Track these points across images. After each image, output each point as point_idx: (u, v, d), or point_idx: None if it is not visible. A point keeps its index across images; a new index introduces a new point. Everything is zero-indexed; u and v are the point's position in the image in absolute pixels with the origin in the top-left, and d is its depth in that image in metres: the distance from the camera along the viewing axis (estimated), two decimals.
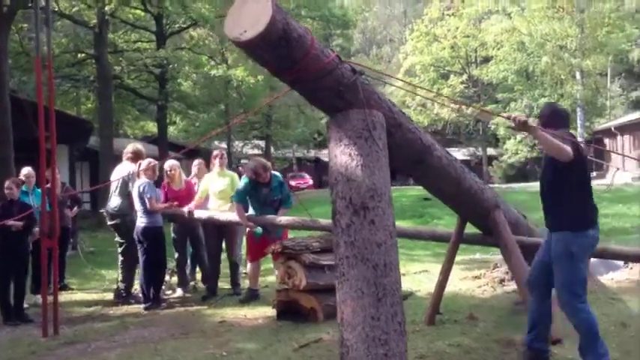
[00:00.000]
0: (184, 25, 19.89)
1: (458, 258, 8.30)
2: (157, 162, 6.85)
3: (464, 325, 4.92)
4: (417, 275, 7.36)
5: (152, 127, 27.84)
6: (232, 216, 6.66)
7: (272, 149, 31.46)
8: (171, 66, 18.29)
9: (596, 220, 3.83)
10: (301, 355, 4.49)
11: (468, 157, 42.80)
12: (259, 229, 6.34)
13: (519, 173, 39.02)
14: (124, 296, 6.70)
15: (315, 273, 5.42)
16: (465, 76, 37.17)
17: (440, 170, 4.21)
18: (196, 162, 8.04)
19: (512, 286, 5.99)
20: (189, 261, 7.46)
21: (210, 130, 25.53)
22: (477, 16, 35.80)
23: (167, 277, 7.20)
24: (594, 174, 31.33)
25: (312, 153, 40.53)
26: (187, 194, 7.07)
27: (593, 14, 27.84)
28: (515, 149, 34.84)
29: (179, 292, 7.09)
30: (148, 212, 6.39)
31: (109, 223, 6.83)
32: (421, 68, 38.39)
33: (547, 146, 3.60)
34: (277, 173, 6.57)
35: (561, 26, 27.85)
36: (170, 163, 7.26)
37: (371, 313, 3.13)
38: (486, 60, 37.15)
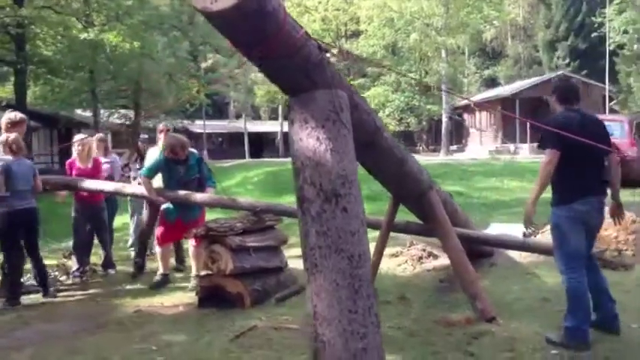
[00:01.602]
0: None
1: (370, 235, 8.49)
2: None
3: (397, 306, 4.93)
4: None
5: (2, 91, 25.34)
6: (138, 189, 6.24)
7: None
8: (33, 27, 16.63)
9: (586, 194, 3.88)
10: (239, 345, 4.25)
11: None
12: (170, 205, 5.97)
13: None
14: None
15: (242, 256, 5.18)
16: (336, 50, 37.57)
17: (387, 151, 4.14)
18: (96, 136, 7.40)
19: (431, 263, 6.14)
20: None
21: (72, 97, 23.79)
22: None
23: (63, 261, 6.58)
24: (454, 147, 33.31)
25: (182, 124, 39.21)
26: (93, 172, 6.48)
27: None
28: (384, 122, 35.96)
29: (74, 277, 6.50)
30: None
31: None
32: None
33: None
34: (194, 150, 6.20)
35: (429, 5, 28.98)
36: (81, 137, 6.63)
37: (348, 306, 2.99)
38: (356, 34, 37.91)
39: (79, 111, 27.21)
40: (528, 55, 47.74)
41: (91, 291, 6.09)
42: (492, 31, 43.19)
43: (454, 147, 34.22)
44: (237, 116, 47.62)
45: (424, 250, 6.33)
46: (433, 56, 30.32)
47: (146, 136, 7.89)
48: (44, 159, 27.52)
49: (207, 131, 40.19)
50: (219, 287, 5.23)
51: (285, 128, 45.41)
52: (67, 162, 6.75)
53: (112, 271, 6.78)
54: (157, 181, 6.04)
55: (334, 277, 3.02)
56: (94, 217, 6.70)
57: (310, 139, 3.17)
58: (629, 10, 34.86)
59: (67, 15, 18.26)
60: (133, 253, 7.62)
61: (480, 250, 5.95)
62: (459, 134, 37.66)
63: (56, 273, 6.53)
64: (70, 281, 6.43)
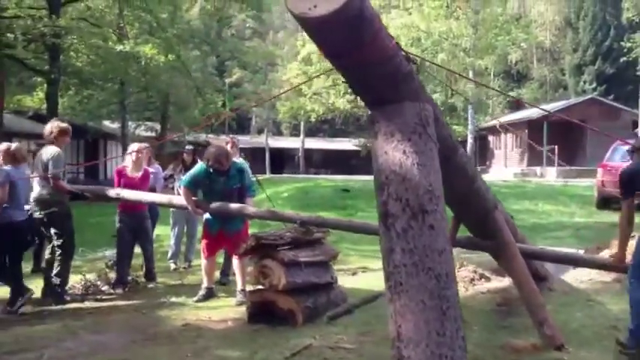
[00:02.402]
0: None
1: None
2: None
3: None
4: (378, 273, 7.10)
5: (29, 101, 25.60)
6: (177, 200, 6.17)
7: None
8: (70, 37, 16.78)
9: None
10: None
11: (359, 148, 43.60)
12: (210, 217, 5.89)
13: None
14: (58, 292, 5.94)
15: (294, 271, 5.03)
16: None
17: (461, 168, 4.00)
18: (144, 146, 7.37)
19: (484, 285, 5.96)
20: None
21: (102, 107, 23.98)
22: (377, 8, 36.33)
23: (105, 270, 6.51)
24: (478, 168, 33.05)
25: (204, 137, 39.39)
26: (141, 183, 6.42)
27: (487, 16, 29.17)
28: None
29: (117, 288, 6.41)
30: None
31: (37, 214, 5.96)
32: (318, 57, 38.36)
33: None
34: (238, 160, 6.12)
35: (458, 25, 28.92)
36: (139, 145, 6.60)
37: (436, 328, 2.84)
38: None
39: (106, 122, 27.39)
40: (554, 79, 47.43)
41: (134, 302, 5.97)
42: (518, 53, 43.00)
43: (478, 168, 33.92)
44: (259, 131, 47.79)
45: (475, 272, 6.14)
46: (460, 77, 30.16)
47: (191, 147, 7.84)
48: (70, 169, 27.67)
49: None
50: (269, 303, 5.09)
51: (307, 144, 45.53)
52: (116, 169, 6.71)
53: (152, 284, 6.67)
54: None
55: (421, 297, 2.88)
56: (137, 227, 6.63)
57: (396, 153, 3.06)
58: None
59: (101, 27, 18.43)
60: (172, 265, 7.55)
61: (533, 273, 5.76)
62: (482, 155, 37.35)
63: (98, 283, 6.43)
64: (112, 291, 6.33)
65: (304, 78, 38.62)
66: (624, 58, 39.30)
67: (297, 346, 4.44)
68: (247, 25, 34.44)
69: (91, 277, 6.54)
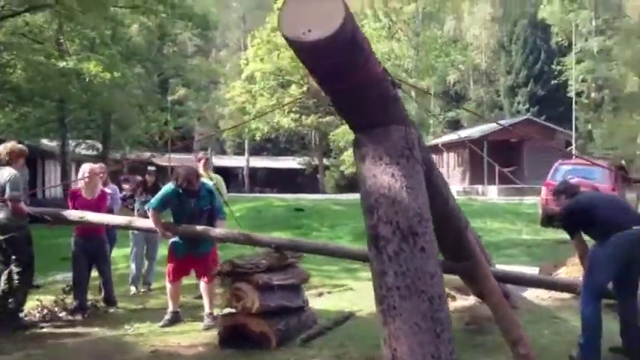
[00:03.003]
0: (20, 9, 17.71)
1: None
2: None
3: None
4: (344, 293, 7.16)
5: None
6: (143, 222, 6.03)
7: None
8: (7, 53, 16.20)
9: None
10: None
11: (304, 166, 43.74)
12: (177, 240, 5.76)
13: (349, 183, 40.69)
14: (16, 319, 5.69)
15: (267, 295, 4.99)
16: (305, 87, 37.86)
17: (437, 188, 4.07)
18: (97, 166, 7.16)
19: (451, 304, 6.02)
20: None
21: (40, 125, 23.18)
22: None
23: (62, 296, 6.27)
24: None
25: (147, 155, 38.63)
26: (98, 205, 6.21)
27: (427, 38, 30.00)
28: (352, 160, 36.16)
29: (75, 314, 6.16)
30: None
31: None
32: (262, 75, 38.43)
33: None
34: (206, 181, 6.03)
35: (399, 47, 29.62)
36: (90, 166, 6.38)
37: (430, 351, 2.87)
38: None
39: (44, 141, 26.48)
40: (490, 99, 49.03)
41: (96, 329, 5.75)
42: (457, 74, 44.34)
43: None
44: (203, 150, 47.25)
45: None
46: (404, 97, 30.78)
47: (154, 168, 7.68)
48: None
49: (172, 164, 39.62)
50: (241, 326, 5.02)
51: (252, 163, 45.25)
52: (70, 191, 6.47)
53: (112, 309, 6.46)
54: None
55: (415, 320, 2.91)
56: (95, 251, 6.40)
57: (385, 176, 3.09)
58: (588, 60, 36.39)
59: (42, 43, 17.90)
60: (133, 289, 7.33)
61: None
62: None
63: (55, 309, 6.17)
64: (70, 317, 6.08)
65: (248, 97, 38.66)
66: (555, 81, 41.20)
67: None
68: (193, 43, 34.07)
69: (47, 302, 6.28)
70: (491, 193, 27.98)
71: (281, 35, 2.73)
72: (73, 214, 5.95)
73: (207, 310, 5.78)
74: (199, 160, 7.36)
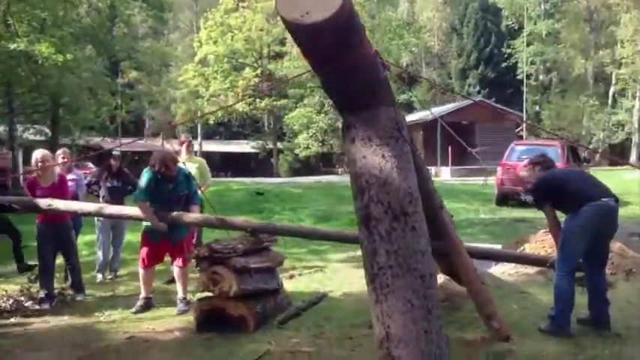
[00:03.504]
0: None
1: (342, 256, 8.47)
2: None
3: None
4: (315, 274, 7.19)
5: None
6: (116, 209, 5.93)
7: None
8: None
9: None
10: None
11: (258, 150, 43.50)
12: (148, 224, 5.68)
13: (304, 167, 40.74)
14: None
15: (244, 278, 4.98)
16: (259, 70, 37.54)
17: (418, 168, 4.12)
18: (60, 152, 6.95)
19: None
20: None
21: None
22: (272, 11, 36.37)
23: (27, 285, 6.11)
24: None
25: (95, 141, 37.65)
26: (59, 192, 6.02)
27: (383, 21, 30.11)
28: (307, 143, 36.22)
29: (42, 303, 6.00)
30: None
31: None
32: (215, 58, 37.89)
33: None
34: (182, 166, 5.94)
35: None
36: (42, 153, 6.14)
37: (424, 327, 2.95)
38: (278, 55, 38.03)
39: None
40: (442, 82, 49.68)
41: (66, 317, 5.62)
42: (410, 57, 44.74)
43: None
44: (154, 135, 46.38)
45: None
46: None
47: (118, 152, 7.49)
48: None
49: (123, 149, 38.76)
50: (218, 310, 5.00)
51: (205, 147, 44.83)
52: (27, 182, 6.18)
53: (80, 296, 6.31)
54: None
55: (408, 298, 2.97)
56: (60, 239, 6.22)
57: (375, 157, 3.13)
58: (537, 43, 37.26)
59: None
60: (99, 276, 7.19)
61: None
62: None
63: (21, 298, 6.01)
64: (37, 307, 5.93)
65: (201, 80, 38.08)
66: (505, 63, 42.07)
67: (255, 352, 4.41)
68: (148, 24, 33.25)
69: (12, 292, 6.11)
70: (445, 175, 28.50)
71: (279, 17, 2.71)
72: (41, 202, 5.77)
73: (180, 295, 5.73)
74: (182, 143, 7.26)
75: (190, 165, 6.83)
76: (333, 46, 2.78)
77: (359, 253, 8.48)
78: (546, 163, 5.07)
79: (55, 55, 14.46)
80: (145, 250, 5.73)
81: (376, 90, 3.18)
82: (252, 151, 44.11)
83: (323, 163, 42.60)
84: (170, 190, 5.62)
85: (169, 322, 5.37)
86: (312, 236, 5.85)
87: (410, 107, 48.87)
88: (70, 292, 6.35)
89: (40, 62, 14.76)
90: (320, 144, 35.83)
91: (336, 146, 36.88)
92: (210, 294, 5.02)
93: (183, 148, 7.24)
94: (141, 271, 5.80)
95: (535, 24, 38.00)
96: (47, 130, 26.28)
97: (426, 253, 3.08)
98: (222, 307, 4.98)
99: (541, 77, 39.48)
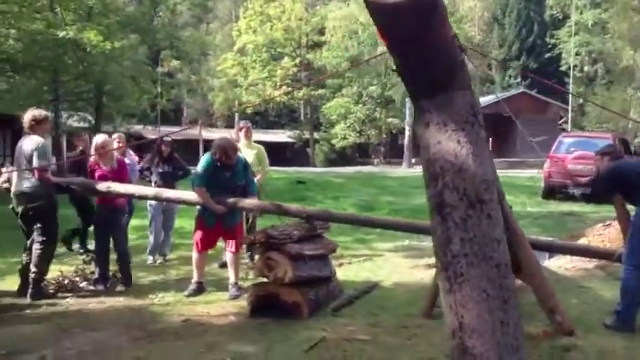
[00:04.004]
0: None
1: (390, 245, 8.40)
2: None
3: None
4: (364, 263, 7.15)
5: None
6: (175, 194, 5.96)
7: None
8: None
9: None
10: (319, 358, 4.07)
11: (293, 140, 43.52)
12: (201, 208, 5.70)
13: (339, 157, 40.59)
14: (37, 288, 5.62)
15: (299, 265, 4.96)
16: (297, 60, 37.52)
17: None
18: (115, 136, 7.04)
19: None
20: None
21: (31, 96, 22.75)
22: (311, 0, 36.34)
23: (82, 266, 6.20)
24: (413, 160, 33.60)
25: (135, 128, 38.16)
26: (119, 175, 6.09)
27: None
28: (344, 134, 36.09)
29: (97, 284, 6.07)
30: None
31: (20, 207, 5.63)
32: (254, 48, 38.01)
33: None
34: (241, 155, 5.93)
35: None
36: (103, 138, 6.23)
37: (499, 317, 2.85)
38: (318, 45, 37.94)
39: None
40: (482, 73, 48.93)
41: (121, 298, 5.69)
42: None
43: (412, 160, 34.59)
44: (192, 123, 46.81)
45: None
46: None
47: (169, 138, 7.53)
48: None
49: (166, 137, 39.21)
50: (272, 296, 4.99)
51: None
52: (89, 165, 6.31)
53: (126, 287, 6.26)
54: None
55: (484, 287, 2.88)
56: (112, 222, 6.25)
57: (450, 143, 3.03)
58: (582, 33, 36.33)
59: (37, 12, 17.43)
60: (150, 258, 7.27)
61: None
62: (416, 148, 38.13)
63: (76, 279, 6.10)
64: (92, 287, 6.01)
65: (239, 69, 38.26)
66: (548, 54, 41.16)
67: (310, 339, 4.39)
68: (191, 13, 33.53)
69: (67, 273, 6.20)
70: None
71: None
72: (101, 184, 5.84)
73: (232, 279, 5.74)
74: (241, 129, 7.20)
75: (249, 151, 6.85)
76: (415, 27, 2.70)
77: (407, 242, 8.54)
78: (615, 154, 4.92)
79: (104, 42, 14.63)
80: (199, 234, 5.75)
81: (455, 72, 3.08)
82: (289, 140, 44.14)
83: (359, 153, 42.43)
84: (227, 178, 5.63)
85: (223, 306, 5.39)
86: (368, 224, 5.78)
87: None
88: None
89: (87, 50, 14.95)
90: (357, 134, 35.63)
91: (373, 137, 36.66)
92: (265, 279, 5.01)
93: (242, 134, 7.19)
94: (194, 255, 5.82)
95: (581, 13, 37.01)
96: (90, 118, 26.70)
97: (501, 242, 2.99)
98: (277, 293, 4.97)
99: (586, 68, 38.49)
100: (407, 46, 2.87)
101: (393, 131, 37.48)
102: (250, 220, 7.06)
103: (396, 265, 6.86)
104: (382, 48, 21.51)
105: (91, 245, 7.07)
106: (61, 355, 4.14)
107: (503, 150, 27.85)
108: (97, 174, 6.13)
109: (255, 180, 6.28)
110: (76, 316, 5.12)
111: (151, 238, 7.28)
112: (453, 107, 3.08)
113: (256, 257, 6.75)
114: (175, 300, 5.61)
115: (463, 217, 2.96)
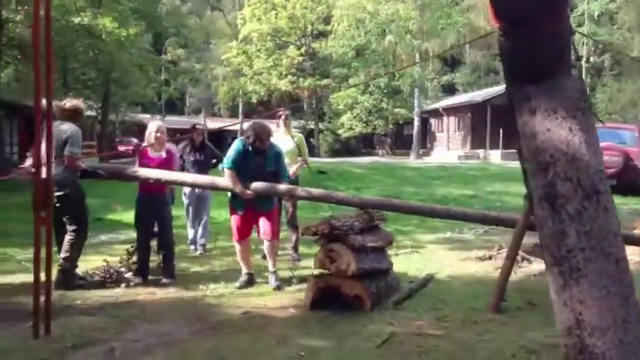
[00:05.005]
0: None
1: (431, 237, 8.28)
2: None
3: (535, 313, 4.71)
4: (411, 255, 7.02)
5: None
6: (220, 181, 5.82)
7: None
8: (12, 6, 15.59)
9: None
10: (394, 352, 3.95)
11: (298, 130, 43.22)
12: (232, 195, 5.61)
13: (344, 148, 40.44)
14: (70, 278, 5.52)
15: (361, 257, 4.83)
16: (303, 49, 37.24)
17: None
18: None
19: (529, 268, 5.96)
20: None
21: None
22: None
23: (126, 257, 6.07)
24: (421, 151, 33.50)
25: (139, 117, 37.96)
26: (168, 163, 5.96)
27: (432, 0, 29.52)
28: (351, 124, 35.94)
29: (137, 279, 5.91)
30: None
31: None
32: (258, 37, 37.68)
33: None
34: (275, 142, 5.80)
35: (405, 8, 29.09)
36: (157, 125, 6.09)
37: (621, 315, 2.72)
38: (323, 34, 37.67)
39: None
40: (486, 64, 48.78)
41: (172, 290, 5.56)
42: (453, 37, 43.91)
43: (420, 151, 34.51)
44: (195, 112, 46.62)
45: (517, 255, 6.14)
46: (408, 59, 30.46)
47: (201, 125, 7.38)
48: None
49: (166, 126, 39.00)
50: (334, 288, 4.87)
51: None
52: (139, 151, 6.18)
53: (168, 282, 6.07)
54: None
55: (604, 283, 2.75)
56: (155, 211, 6.09)
57: (561, 130, 2.89)
58: (588, 23, 36.19)
59: None
60: (192, 247, 7.15)
61: None
62: (424, 138, 38.04)
63: (122, 270, 5.96)
64: (138, 280, 5.86)
65: (244, 58, 37.95)
66: None
67: (378, 333, 4.27)
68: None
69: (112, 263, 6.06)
70: (494, 158, 27.94)
71: None
72: (129, 170, 5.75)
73: (271, 268, 5.64)
74: (279, 117, 7.10)
75: (289, 139, 6.71)
76: (538, 9, 2.57)
77: (449, 234, 8.41)
78: None
79: (119, 29, 14.44)
80: (234, 221, 5.69)
81: (563, 57, 2.94)
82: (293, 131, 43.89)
83: (363, 144, 42.28)
84: (257, 163, 5.52)
85: (279, 298, 5.28)
86: (438, 215, 5.64)
87: (452, 89, 48.22)
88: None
89: (102, 37, 14.75)
90: (364, 124, 35.46)
91: (379, 127, 36.50)
92: (326, 271, 4.89)
93: (281, 121, 7.10)
94: (236, 246, 5.72)
95: (588, 4, 36.85)
96: (96, 106, 26.54)
97: (618, 236, 2.86)
98: (338, 285, 4.84)
99: (592, 59, 38.36)
100: (524, 30, 2.73)
101: (400, 122, 37.34)
102: (291, 210, 6.95)
103: (445, 258, 6.75)
104: (390, 37, 21.41)
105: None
106: (129, 347, 4.00)
107: (516, 141, 27.60)
108: (144, 161, 5.99)
109: (294, 169, 6.35)
110: (130, 308, 4.98)
111: (190, 228, 7.15)
112: (562, 93, 2.94)
113: (300, 250, 6.69)
114: (228, 292, 5.49)
115: (578, 209, 2.82)
